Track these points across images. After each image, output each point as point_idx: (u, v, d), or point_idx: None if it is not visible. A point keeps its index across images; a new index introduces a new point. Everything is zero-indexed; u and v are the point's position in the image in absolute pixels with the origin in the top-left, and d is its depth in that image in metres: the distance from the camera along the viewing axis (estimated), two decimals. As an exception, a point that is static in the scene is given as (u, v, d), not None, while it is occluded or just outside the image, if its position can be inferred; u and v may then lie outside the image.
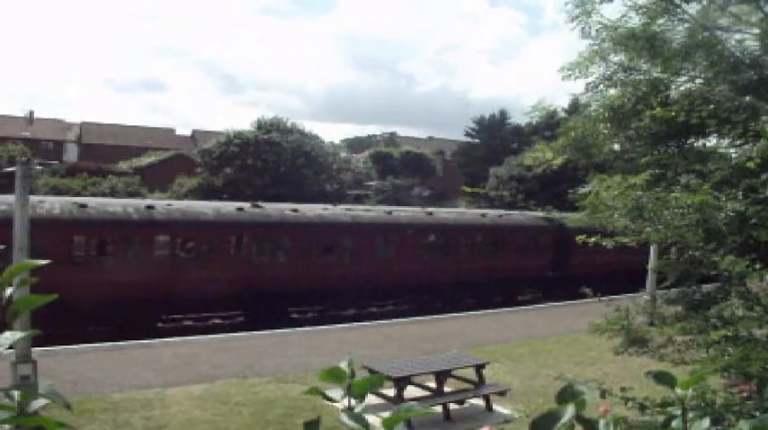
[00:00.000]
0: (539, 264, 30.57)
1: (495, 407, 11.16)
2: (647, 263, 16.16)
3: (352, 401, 1.58)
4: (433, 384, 10.96)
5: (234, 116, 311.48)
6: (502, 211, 35.03)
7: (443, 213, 30.83)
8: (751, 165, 8.18)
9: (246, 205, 25.02)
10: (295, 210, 24.93)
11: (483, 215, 31.60)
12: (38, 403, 1.40)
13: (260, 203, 27.14)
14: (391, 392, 10.32)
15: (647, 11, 10.10)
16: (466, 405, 11.19)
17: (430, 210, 30.75)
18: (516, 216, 33.43)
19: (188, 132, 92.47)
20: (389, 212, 28.00)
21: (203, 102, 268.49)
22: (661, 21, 10.28)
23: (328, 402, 1.63)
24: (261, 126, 60.30)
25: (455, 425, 10.41)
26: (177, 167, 62.40)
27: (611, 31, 10.43)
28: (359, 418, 1.47)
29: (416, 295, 26.23)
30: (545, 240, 31.40)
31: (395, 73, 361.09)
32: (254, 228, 23.18)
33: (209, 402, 11.04)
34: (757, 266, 7.08)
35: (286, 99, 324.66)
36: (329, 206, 28.40)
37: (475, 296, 27.18)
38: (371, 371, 10.01)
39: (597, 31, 10.63)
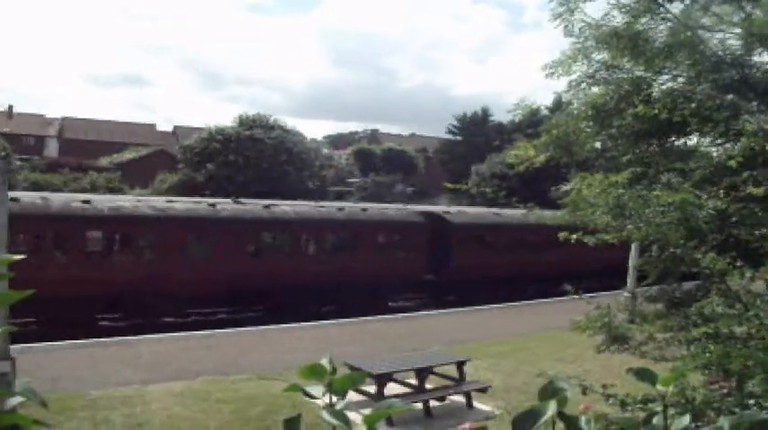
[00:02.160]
0: (409, 266, 26.83)
1: (476, 403, 11.19)
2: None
3: (333, 398, 1.57)
4: (414, 381, 10.97)
5: (215, 112, 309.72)
6: (367, 205, 31.29)
7: (285, 207, 26.89)
8: (732, 163, 8.26)
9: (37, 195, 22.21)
10: (86, 202, 21.55)
11: (340, 209, 28.04)
12: (14, 400, 1.38)
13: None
14: (372, 389, 10.32)
15: (630, 9, 10.14)
16: (447, 402, 11.21)
17: (268, 202, 27.07)
18: (385, 210, 29.75)
19: (170, 128, 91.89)
20: (213, 205, 24.34)
21: (185, 97, 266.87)
22: (644, 20, 10.32)
23: (309, 399, 1.60)
24: (243, 122, 60.09)
25: (436, 422, 10.42)
26: (158, 163, 62.10)
27: (594, 29, 10.46)
28: (340, 415, 1.45)
29: (248, 301, 23.46)
30: (417, 238, 27.65)
31: (377, 69, 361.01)
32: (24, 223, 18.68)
33: (190, 399, 10.98)
34: (738, 264, 7.13)
35: (268, 95, 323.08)
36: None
37: (328, 303, 23.86)
38: (352, 368, 10.00)
39: (580, 29, 10.64)
